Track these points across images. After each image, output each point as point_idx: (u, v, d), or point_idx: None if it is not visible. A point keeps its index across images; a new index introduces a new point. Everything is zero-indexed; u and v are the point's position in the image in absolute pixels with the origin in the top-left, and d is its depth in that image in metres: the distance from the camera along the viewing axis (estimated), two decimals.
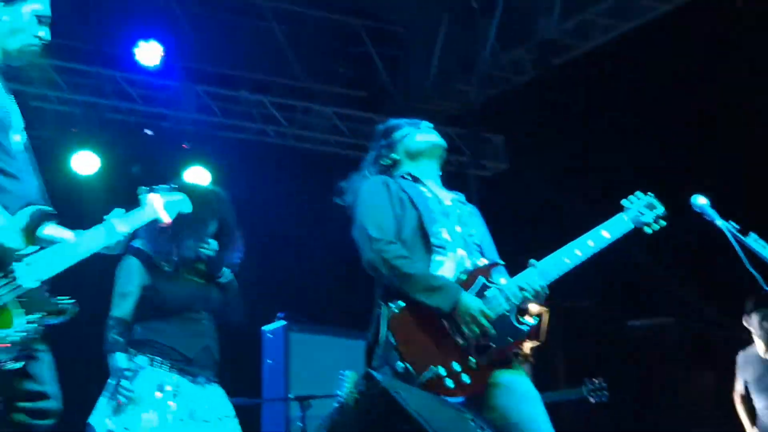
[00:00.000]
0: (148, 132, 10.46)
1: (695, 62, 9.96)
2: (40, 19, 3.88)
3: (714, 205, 4.78)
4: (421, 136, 4.81)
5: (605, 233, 4.53)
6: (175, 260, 5.77)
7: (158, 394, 5.50)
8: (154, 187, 4.23)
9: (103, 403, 5.53)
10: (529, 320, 4.34)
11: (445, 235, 4.48)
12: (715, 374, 12.96)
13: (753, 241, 4.64)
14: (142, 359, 5.59)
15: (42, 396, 3.73)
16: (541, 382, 4.49)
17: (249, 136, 11.08)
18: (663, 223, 4.65)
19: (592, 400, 7.77)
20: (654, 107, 10.39)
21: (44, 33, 3.90)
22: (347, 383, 6.98)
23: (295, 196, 10.44)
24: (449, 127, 10.71)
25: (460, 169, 11.06)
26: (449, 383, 4.16)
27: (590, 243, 4.48)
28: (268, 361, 9.17)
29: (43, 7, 3.88)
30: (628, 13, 9.43)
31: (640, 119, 10.50)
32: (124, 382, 5.45)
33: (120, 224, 3.96)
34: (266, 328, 9.34)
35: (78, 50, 9.94)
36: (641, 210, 4.64)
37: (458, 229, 4.55)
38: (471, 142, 11.18)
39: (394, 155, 4.79)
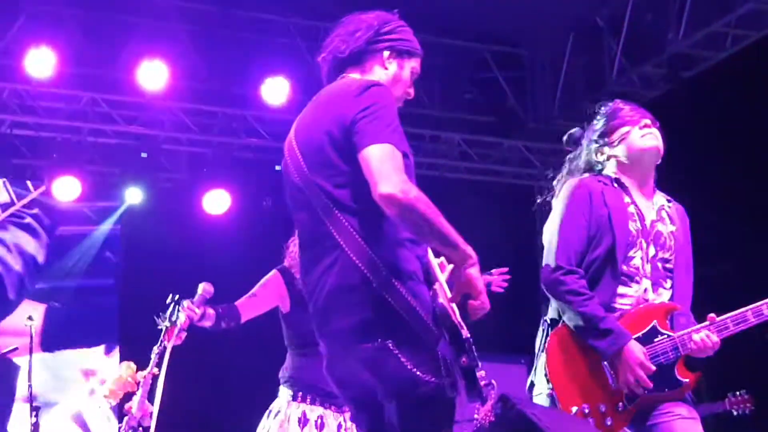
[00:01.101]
0: (278, 168, 10.56)
1: None
2: (413, 76, 4.03)
3: None
4: (643, 138, 4.49)
5: None
6: None
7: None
8: None
9: None
10: (691, 374, 4.25)
11: (636, 262, 4.32)
12: None
13: None
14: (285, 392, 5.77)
15: None
16: None
17: None
18: None
19: (735, 413, 7.62)
20: None
21: (412, 90, 4.05)
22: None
23: None
24: None
25: None
26: (590, 422, 4.11)
27: None
28: None
29: (418, 69, 4.03)
30: (759, 21, 9.18)
31: None
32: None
33: None
34: None
35: (206, 91, 10.11)
36: None
37: (653, 252, 4.36)
38: None
39: (609, 152, 4.53)
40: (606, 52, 10.26)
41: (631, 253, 4.30)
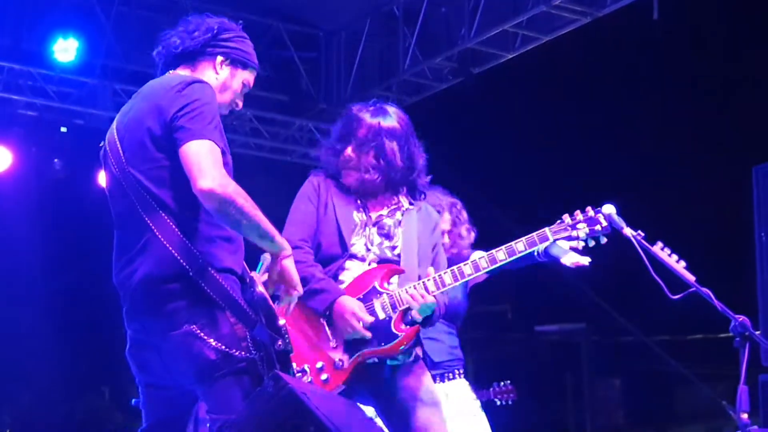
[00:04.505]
0: (64, 129, 10.31)
1: (613, 72, 10.10)
2: (244, 88, 4.13)
3: (628, 213, 4.77)
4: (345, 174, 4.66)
5: (519, 246, 4.44)
6: None
7: None
8: None
9: None
10: (406, 328, 4.37)
11: (361, 247, 4.49)
12: (622, 380, 13.21)
13: (659, 249, 4.63)
14: None
15: None
16: None
17: None
18: (602, 240, 4.49)
19: (498, 402, 7.81)
20: (571, 116, 10.50)
21: (240, 103, 4.17)
22: None
23: None
24: None
25: None
26: (308, 380, 4.26)
27: (500, 255, 4.44)
28: None
29: (251, 82, 4.15)
30: (548, 25, 9.51)
31: (556, 127, 10.61)
32: None
33: None
34: None
35: None
36: (577, 226, 4.48)
37: (379, 241, 4.51)
38: None
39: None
40: (400, 41, 10.43)
41: (353, 240, 4.48)
